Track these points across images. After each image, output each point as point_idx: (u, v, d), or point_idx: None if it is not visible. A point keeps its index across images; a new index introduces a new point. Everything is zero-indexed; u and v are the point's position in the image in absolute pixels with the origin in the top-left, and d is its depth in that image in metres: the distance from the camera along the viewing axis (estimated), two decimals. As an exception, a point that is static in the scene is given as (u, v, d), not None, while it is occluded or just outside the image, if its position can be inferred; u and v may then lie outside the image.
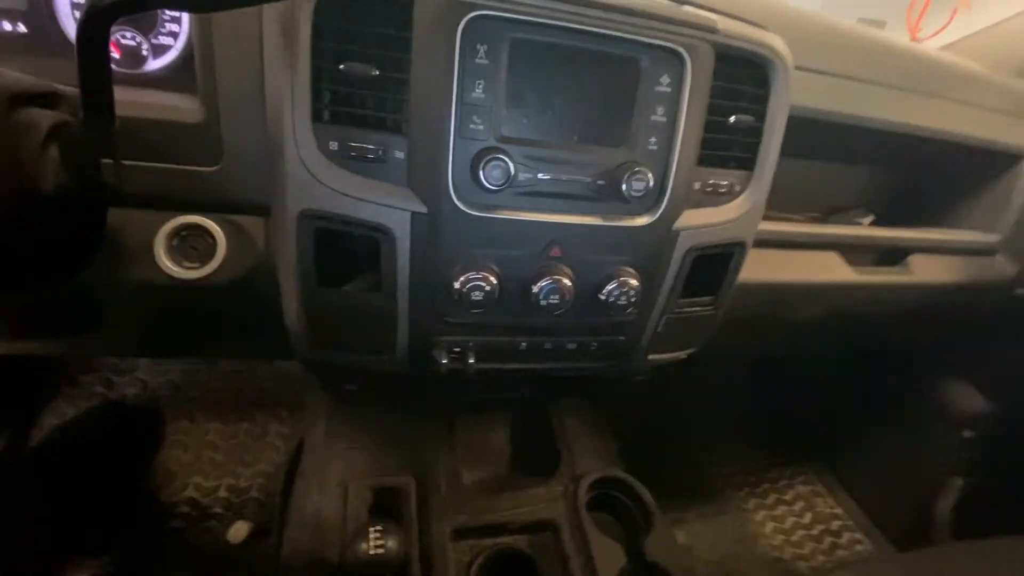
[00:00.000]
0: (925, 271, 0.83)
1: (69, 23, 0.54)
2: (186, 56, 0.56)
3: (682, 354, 0.69)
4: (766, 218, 0.75)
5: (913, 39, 1.06)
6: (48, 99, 0.42)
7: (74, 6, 0.54)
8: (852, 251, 0.79)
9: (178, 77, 0.56)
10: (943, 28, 1.02)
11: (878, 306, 0.85)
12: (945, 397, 1.13)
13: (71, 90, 0.42)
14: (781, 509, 1.28)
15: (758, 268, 0.70)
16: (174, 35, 0.57)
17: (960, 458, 1.10)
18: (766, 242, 0.72)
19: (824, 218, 0.94)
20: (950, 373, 1.15)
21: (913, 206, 0.97)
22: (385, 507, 0.73)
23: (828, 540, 1.23)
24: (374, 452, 0.82)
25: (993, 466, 1.10)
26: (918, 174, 0.95)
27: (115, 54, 0.55)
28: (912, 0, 1.04)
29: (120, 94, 0.43)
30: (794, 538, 1.22)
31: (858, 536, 1.25)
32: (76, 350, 0.97)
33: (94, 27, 0.36)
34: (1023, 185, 0.87)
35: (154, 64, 0.56)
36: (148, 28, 0.56)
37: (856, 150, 0.90)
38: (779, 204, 0.92)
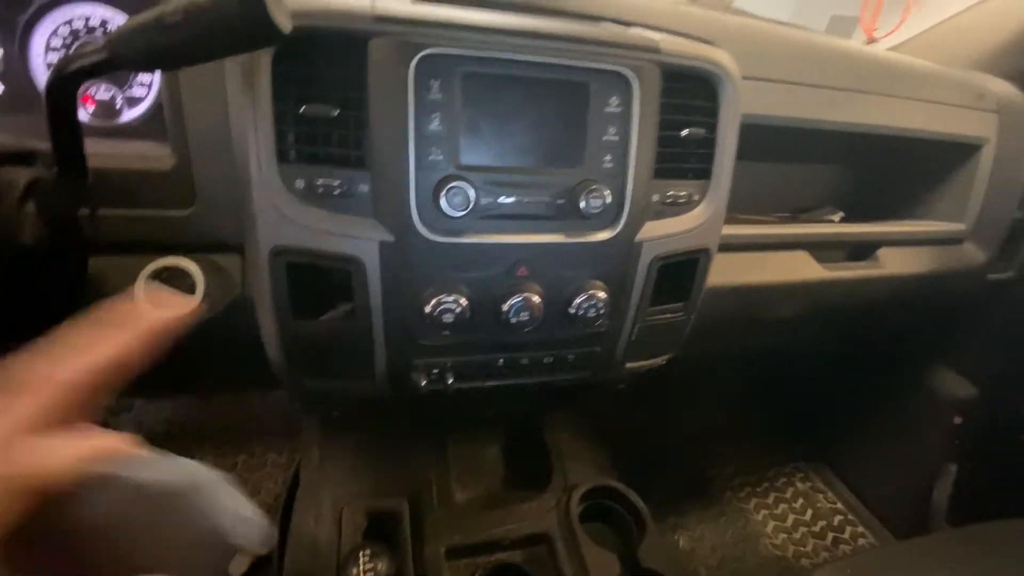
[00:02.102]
0: (895, 263, 0.85)
1: (43, 81, 0.57)
2: (159, 106, 0.59)
3: (660, 360, 0.71)
4: (736, 222, 0.77)
5: (869, 38, 1.09)
6: (24, 157, 0.45)
7: (48, 65, 0.57)
8: (822, 248, 0.81)
9: (151, 126, 0.58)
10: (898, 26, 1.05)
11: (852, 300, 0.86)
12: (933, 385, 1.15)
13: (46, 147, 0.44)
14: (782, 507, 1.29)
15: (729, 271, 0.72)
16: (147, 86, 0.60)
17: (952, 444, 1.11)
18: (736, 246, 0.74)
19: (795, 217, 0.96)
20: (937, 361, 1.17)
21: (882, 201, 1.00)
22: (380, 529, 0.74)
23: (831, 535, 1.24)
24: (368, 475, 0.82)
25: (985, 450, 1.11)
26: (884, 170, 0.98)
27: (90, 107, 0.58)
28: (865, 1, 1.07)
29: (95, 146, 0.46)
30: (796, 535, 1.23)
31: (860, 529, 1.25)
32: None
33: (61, 90, 0.38)
34: (984, 174, 0.89)
35: (128, 115, 0.59)
36: (122, 82, 0.59)
37: (820, 150, 0.92)
38: (750, 207, 0.95)
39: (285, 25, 0.34)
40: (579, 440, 0.93)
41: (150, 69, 0.45)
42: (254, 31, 0.34)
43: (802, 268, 0.77)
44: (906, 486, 1.20)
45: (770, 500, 1.30)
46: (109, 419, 1.19)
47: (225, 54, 0.36)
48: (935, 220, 0.93)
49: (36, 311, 0.50)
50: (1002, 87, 0.90)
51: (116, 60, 0.35)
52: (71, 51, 0.56)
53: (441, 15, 0.46)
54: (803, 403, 1.44)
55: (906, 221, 0.93)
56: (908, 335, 1.16)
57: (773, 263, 0.77)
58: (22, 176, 0.42)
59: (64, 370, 0.25)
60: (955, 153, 0.90)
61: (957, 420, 1.10)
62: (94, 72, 0.37)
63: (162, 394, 1.06)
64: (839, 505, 1.30)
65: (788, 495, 1.32)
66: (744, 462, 1.36)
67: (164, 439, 1.17)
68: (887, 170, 0.97)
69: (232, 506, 0.24)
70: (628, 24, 0.58)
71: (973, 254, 0.93)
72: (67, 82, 0.37)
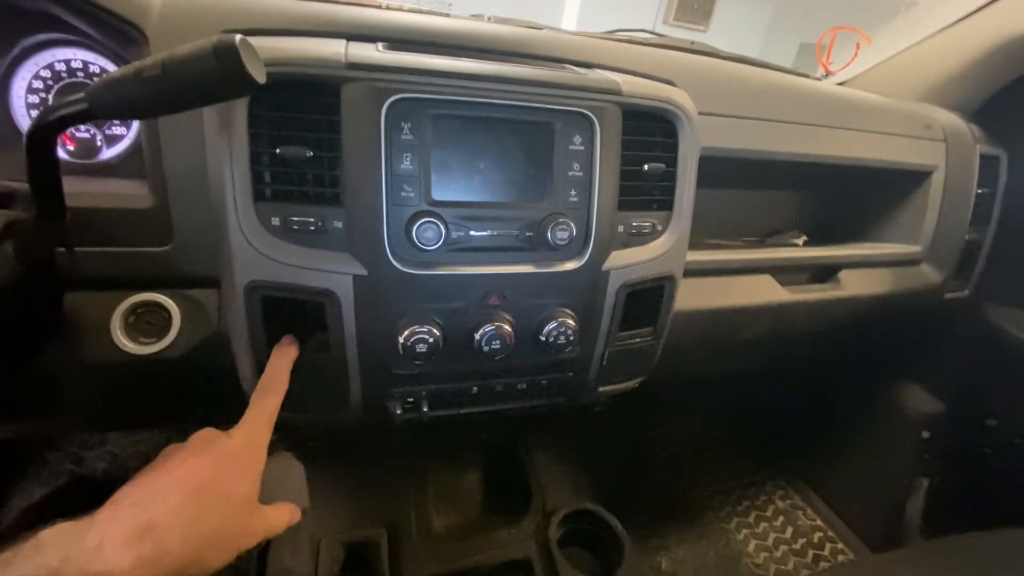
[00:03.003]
0: (855, 285, 0.89)
1: (24, 122, 0.58)
2: (138, 144, 0.60)
3: (633, 383, 0.73)
4: (703, 247, 0.81)
5: (826, 71, 1.16)
6: (2, 199, 0.46)
7: (29, 106, 0.58)
8: (785, 272, 0.84)
9: (131, 164, 0.59)
10: (851, 61, 1.12)
11: (816, 321, 0.90)
12: (900, 400, 1.18)
13: (24, 187, 0.45)
14: (763, 526, 1.30)
15: (697, 296, 0.75)
16: (126, 125, 0.61)
17: (922, 459, 1.14)
18: (702, 271, 0.77)
19: (761, 241, 1.00)
20: (904, 377, 1.21)
21: (843, 224, 1.04)
22: (358, 561, 0.73)
23: (811, 553, 1.25)
24: (346, 505, 0.82)
25: (954, 464, 1.14)
26: (843, 195, 1.03)
27: (70, 146, 0.59)
28: (820, 38, 1.14)
29: (74, 185, 0.47)
30: (777, 554, 1.24)
31: (840, 546, 1.27)
32: (40, 431, 0.96)
33: (42, 138, 0.39)
34: (935, 199, 0.94)
35: (108, 153, 0.60)
36: (102, 121, 0.60)
37: (783, 178, 0.97)
38: (720, 231, 0.99)
39: (260, 77, 0.37)
40: (558, 464, 0.94)
41: (129, 118, 0.47)
42: (230, 84, 0.36)
43: (766, 291, 0.80)
44: (881, 501, 1.22)
45: (751, 519, 1.31)
46: (81, 453, 1.17)
47: (203, 104, 0.38)
48: (893, 243, 0.98)
49: (10, 346, 0.51)
50: (948, 117, 0.96)
51: (96, 111, 0.37)
52: (52, 94, 0.58)
53: (410, 62, 0.49)
54: (781, 422, 1.47)
55: (865, 244, 0.98)
56: (875, 353, 1.20)
57: (739, 287, 0.80)
58: (1, 217, 0.43)
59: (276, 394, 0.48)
60: (908, 179, 0.95)
61: (925, 435, 1.14)
62: (74, 121, 0.38)
63: (137, 427, 1.05)
64: (819, 522, 1.32)
65: (768, 513, 1.33)
66: (724, 482, 1.38)
67: (138, 471, 1.15)
68: (846, 196, 1.02)
69: None
70: (590, 66, 0.62)
71: (930, 274, 0.98)
72: (48, 130, 0.39)
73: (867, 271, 0.92)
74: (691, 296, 0.73)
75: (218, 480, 0.40)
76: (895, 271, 0.95)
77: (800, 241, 0.99)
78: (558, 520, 0.79)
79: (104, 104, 0.37)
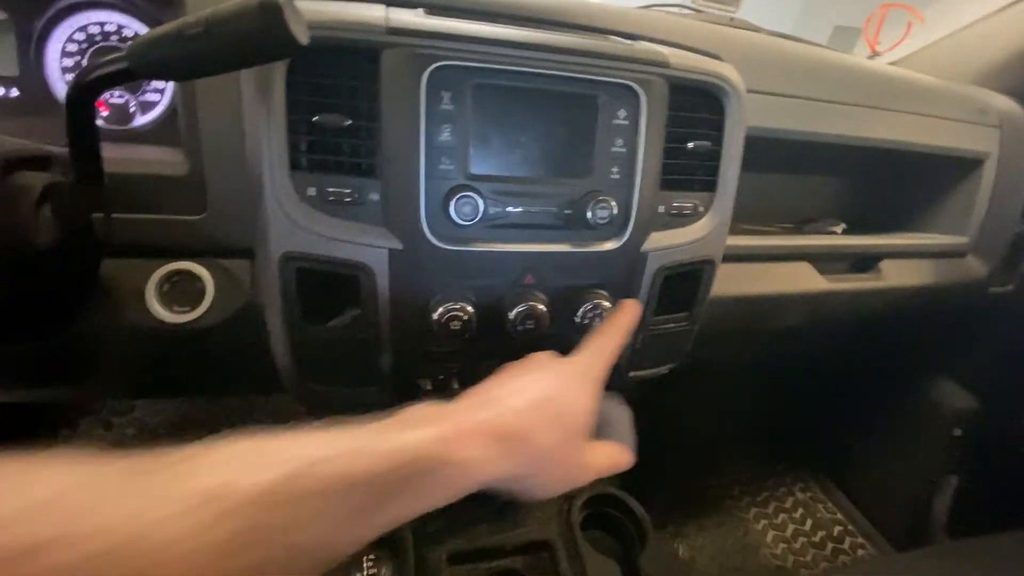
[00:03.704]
0: (897, 275, 0.86)
1: (59, 87, 0.58)
2: (172, 111, 0.60)
3: (663, 369, 0.71)
4: (740, 232, 0.78)
5: (873, 51, 1.10)
6: (41, 162, 0.45)
7: (64, 70, 0.58)
8: (823, 260, 0.81)
9: (164, 131, 0.59)
10: (900, 40, 1.06)
11: (854, 311, 0.87)
12: (933, 396, 1.15)
13: (62, 151, 0.45)
14: (781, 517, 1.29)
15: (732, 282, 0.73)
16: (160, 91, 0.60)
17: (952, 456, 1.12)
18: (739, 256, 0.74)
19: (798, 228, 0.97)
20: (937, 373, 1.17)
21: (884, 213, 1.00)
22: (383, 538, 0.74)
23: (830, 546, 1.24)
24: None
25: (985, 463, 1.11)
26: (887, 182, 0.99)
27: (104, 112, 0.59)
28: (869, 16, 1.08)
29: (109, 151, 0.46)
30: (796, 546, 1.23)
31: (860, 540, 1.25)
32: (74, 396, 0.99)
33: (81, 98, 0.39)
34: (986, 188, 0.90)
35: (141, 120, 0.60)
36: (136, 87, 0.59)
37: (823, 162, 0.93)
38: (754, 217, 0.95)
39: (303, 37, 0.35)
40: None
41: (169, 79, 0.46)
42: (273, 43, 0.34)
43: (804, 279, 0.78)
44: (906, 497, 1.20)
45: (770, 510, 1.30)
46: (111, 419, 1.20)
47: (243, 66, 0.37)
48: (937, 233, 0.94)
49: (48, 311, 0.51)
50: (1004, 103, 0.91)
51: (136, 70, 0.36)
52: (87, 57, 0.57)
53: (453, 28, 0.47)
54: (804, 413, 1.44)
55: (908, 234, 0.94)
56: (909, 346, 1.17)
57: (776, 274, 0.77)
58: (39, 180, 0.43)
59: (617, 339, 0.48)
60: (957, 167, 0.91)
61: (957, 432, 1.10)
62: (114, 81, 0.38)
63: (167, 395, 1.07)
64: (839, 515, 1.30)
65: (788, 505, 1.32)
66: (744, 472, 1.36)
67: (166, 439, 1.17)
68: (890, 183, 0.98)
69: None
70: (635, 38, 0.59)
71: (975, 267, 0.94)
72: (87, 91, 0.38)
73: (909, 262, 0.88)
74: (727, 282, 0.71)
75: (558, 398, 0.40)
76: (939, 263, 0.92)
77: (839, 229, 0.95)
78: (580, 503, 0.79)
79: (145, 63, 0.36)
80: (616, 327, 0.50)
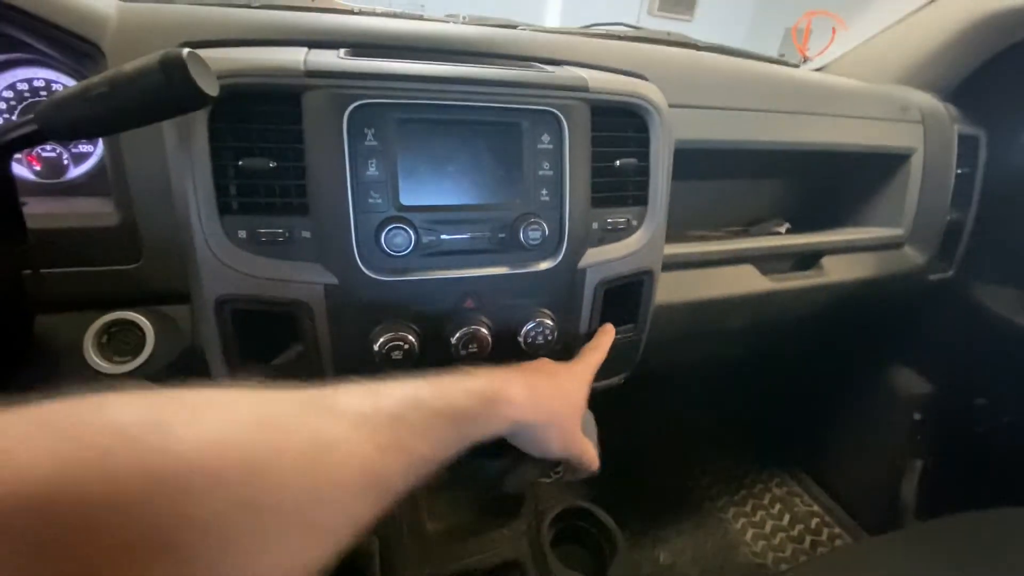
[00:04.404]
0: (838, 270, 0.89)
1: (-12, 145, 0.57)
2: (103, 162, 0.60)
3: (617, 379, 0.73)
4: (684, 239, 0.80)
5: (804, 57, 1.16)
6: (-37, 224, 0.45)
7: (-8, 128, 0.58)
8: (766, 261, 0.84)
9: (100, 182, 0.59)
10: (827, 47, 1.12)
11: (800, 309, 0.90)
12: (891, 384, 1.18)
13: (-14, 212, 0.45)
14: (760, 514, 1.30)
15: (679, 288, 0.75)
16: (93, 142, 0.61)
17: (915, 440, 1.15)
18: (684, 263, 0.77)
19: (745, 231, 1.00)
20: (894, 360, 1.21)
21: (826, 210, 1.04)
22: (350, 567, 0.73)
23: (808, 539, 1.25)
24: (338, 514, 0.82)
25: (946, 445, 1.14)
26: (824, 181, 1.03)
27: (36, 167, 0.59)
28: (796, 23, 1.14)
29: (38, 206, 0.47)
30: (775, 541, 1.24)
31: (837, 530, 1.27)
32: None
33: (-5, 161, 0.39)
34: (915, 181, 0.94)
35: (75, 172, 0.60)
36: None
37: (762, 166, 0.97)
38: (704, 222, 0.99)
39: (211, 90, 0.36)
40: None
41: (81, 138, 0.46)
42: (180, 98, 0.35)
43: (748, 281, 0.80)
44: (876, 484, 1.23)
45: (748, 508, 1.31)
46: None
47: (155, 120, 0.37)
48: (875, 226, 0.98)
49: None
50: (924, 99, 0.96)
51: (47, 132, 0.36)
52: (16, 114, 0.57)
53: (371, 67, 0.48)
54: (775, 410, 1.47)
55: (848, 229, 0.98)
56: (863, 338, 1.20)
57: (720, 278, 0.79)
58: (-39, 243, 0.43)
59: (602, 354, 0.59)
60: (887, 163, 0.95)
61: (917, 416, 1.14)
62: (25, 144, 0.38)
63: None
64: (816, 508, 1.32)
65: (766, 501, 1.33)
66: (720, 473, 1.38)
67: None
68: (828, 181, 1.02)
69: None
70: (558, 63, 0.62)
71: (913, 257, 0.98)
72: (0, 155, 0.38)
73: (850, 256, 0.92)
74: (672, 289, 0.73)
75: (565, 384, 0.52)
76: (878, 255, 0.95)
77: (783, 229, 0.99)
78: (550, 519, 0.80)
79: (54, 125, 0.36)
80: (601, 345, 0.61)
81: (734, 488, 1.35)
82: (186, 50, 0.34)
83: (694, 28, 5.58)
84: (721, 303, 0.78)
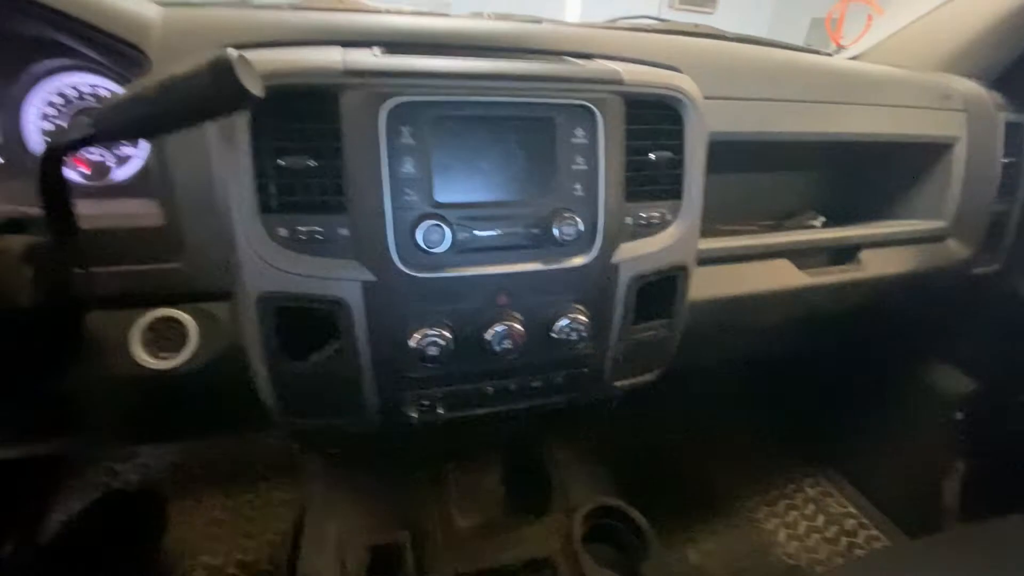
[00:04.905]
0: (878, 264, 0.86)
1: (39, 149, 0.60)
2: (149, 164, 0.62)
3: (649, 376, 0.72)
4: (717, 234, 0.79)
5: (837, 45, 1.12)
6: (19, 224, 0.47)
7: (44, 133, 0.60)
8: (802, 255, 0.82)
9: (143, 184, 0.61)
10: (862, 34, 1.08)
11: (838, 303, 0.87)
12: (931, 381, 1.15)
13: (39, 212, 0.46)
14: (793, 515, 1.27)
15: (712, 284, 0.74)
16: (137, 145, 0.62)
17: (956, 440, 1.11)
18: (717, 258, 0.75)
19: (778, 225, 0.98)
20: (933, 357, 1.17)
21: (863, 203, 1.01)
22: (383, 564, 0.74)
23: (844, 541, 1.22)
24: (370, 509, 0.83)
25: (990, 445, 1.10)
26: (862, 172, 1.00)
27: (83, 170, 0.61)
28: (830, 11, 1.11)
29: (87, 207, 0.48)
30: (809, 543, 1.21)
31: (874, 532, 1.24)
32: (71, 448, 1.00)
33: (53, 164, 0.40)
34: (958, 171, 0.91)
35: (119, 174, 0.62)
36: (112, 143, 0.61)
37: (799, 158, 0.95)
38: (735, 216, 0.97)
39: (257, 90, 0.37)
40: (579, 460, 0.93)
41: (134, 139, 0.47)
42: (228, 99, 0.36)
43: (783, 276, 0.79)
44: (915, 485, 1.19)
45: (780, 508, 1.28)
46: (114, 466, 1.20)
47: (202, 121, 0.38)
48: (915, 219, 0.95)
49: (35, 367, 0.52)
50: (967, 86, 0.93)
51: (102, 135, 0.38)
52: (67, 119, 0.59)
53: (408, 65, 0.49)
54: (807, 407, 1.44)
55: (886, 222, 0.95)
56: (903, 334, 1.17)
57: (755, 273, 0.78)
58: (18, 243, 0.45)
59: None
60: (928, 153, 0.92)
61: (959, 415, 1.10)
62: (81, 145, 0.39)
63: (165, 440, 1.08)
64: (851, 508, 1.29)
65: (798, 501, 1.30)
66: (751, 472, 1.35)
67: (171, 483, 1.18)
68: (865, 173, 0.99)
69: None
70: (590, 56, 0.61)
71: (956, 250, 0.95)
72: (57, 156, 0.40)
73: (890, 250, 0.89)
74: (707, 284, 0.72)
75: None
76: (919, 248, 0.92)
77: (818, 222, 0.96)
78: (581, 517, 0.79)
79: (109, 127, 0.37)
80: None
81: (765, 487, 1.32)
82: (234, 53, 0.35)
83: (716, 20, 5.48)
84: (756, 298, 0.77)
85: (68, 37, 0.52)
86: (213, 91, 0.35)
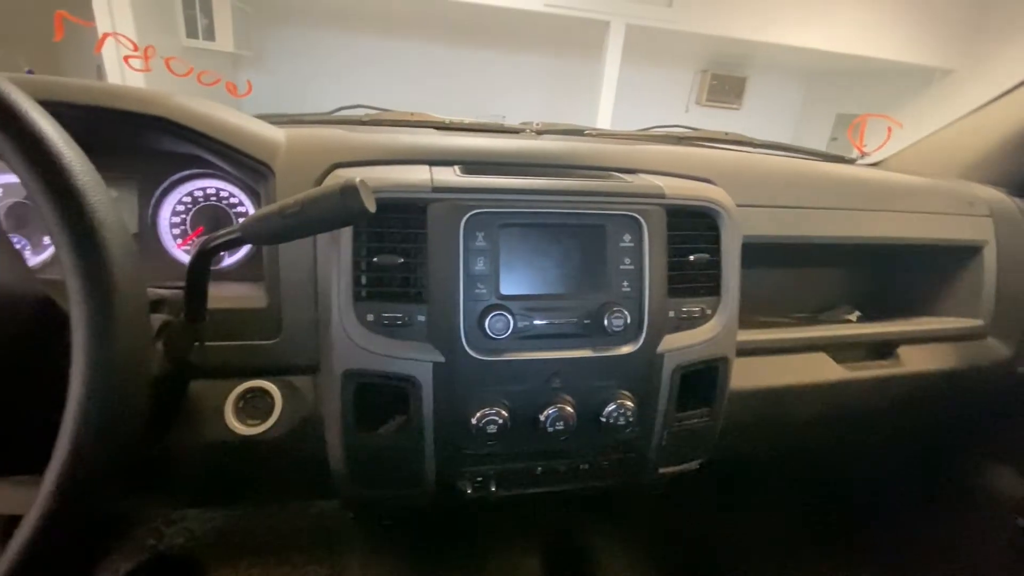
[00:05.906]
0: (916, 361, 0.88)
1: (167, 239, 0.71)
2: (251, 254, 0.72)
3: (693, 464, 0.74)
4: (756, 325, 0.83)
5: (861, 152, 1.21)
6: (156, 305, 0.56)
7: (171, 226, 0.72)
8: (839, 349, 0.85)
9: (247, 270, 0.71)
10: (883, 143, 1.17)
11: (877, 399, 0.88)
12: (989, 484, 1.10)
13: (171, 294, 0.56)
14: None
15: (752, 375, 0.77)
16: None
17: (1020, 550, 1.04)
18: (756, 350, 0.79)
19: (814, 318, 1.01)
20: (990, 459, 1.13)
21: (898, 299, 1.04)
22: None
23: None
24: (411, 588, 0.84)
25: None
26: (895, 270, 1.04)
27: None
28: (851, 124, 1.21)
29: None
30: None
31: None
32: (144, 507, 1.05)
33: (202, 259, 0.50)
34: (990, 273, 0.94)
35: (228, 261, 0.72)
36: (225, 235, 0.72)
37: (831, 256, 1.00)
38: (772, 309, 1.01)
39: (372, 207, 0.46)
40: (620, 553, 0.92)
41: (271, 244, 0.58)
42: (351, 215, 0.45)
43: (821, 369, 0.81)
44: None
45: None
46: (162, 528, 1.24)
47: (326, 230, 0.47)
48: (952, 316, 0.97)
49: (147, 429, 0.59)
50: (990, 193, 0.98)
51: (246, 238, 0.47)
52: (190, 215, 0.71)
53: (484, 183, 0.58)
54: (859, 509, 1.37)
55: (923, 318, 0.97)
56: (952, 433, 1.14)
57: (793, 366, 0.81)
58: (156, 320, 0.54)
59: None
60: (958, 254, 0.96)
61: (1021, 523, 1.04)
62: (228, 247, 0.49)
63: (216, 505, 1.12)
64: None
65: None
66: (799, 569, 1.28)
67: (213, 547, 1.20)
68: (898, 271, 1.03)
69: None
70: (634, 171, 0.70)
71: (997, 348, 0.95)
72: (208, 255, 0.49)
73: (928, 346, 0.91)
74: (747, 375, 0.75)
75: None
76: (959, 346, 0.93)
77: (853, 317, 0.99)
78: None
79: (253, 233, 0.47)
80: None
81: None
82: (359, 179, 0.44)
83: (743, 116, 5.77)
84: (795, 391, 0.79)
85: (210, 154, 0.64)
86: (341, 208, 0.44)
